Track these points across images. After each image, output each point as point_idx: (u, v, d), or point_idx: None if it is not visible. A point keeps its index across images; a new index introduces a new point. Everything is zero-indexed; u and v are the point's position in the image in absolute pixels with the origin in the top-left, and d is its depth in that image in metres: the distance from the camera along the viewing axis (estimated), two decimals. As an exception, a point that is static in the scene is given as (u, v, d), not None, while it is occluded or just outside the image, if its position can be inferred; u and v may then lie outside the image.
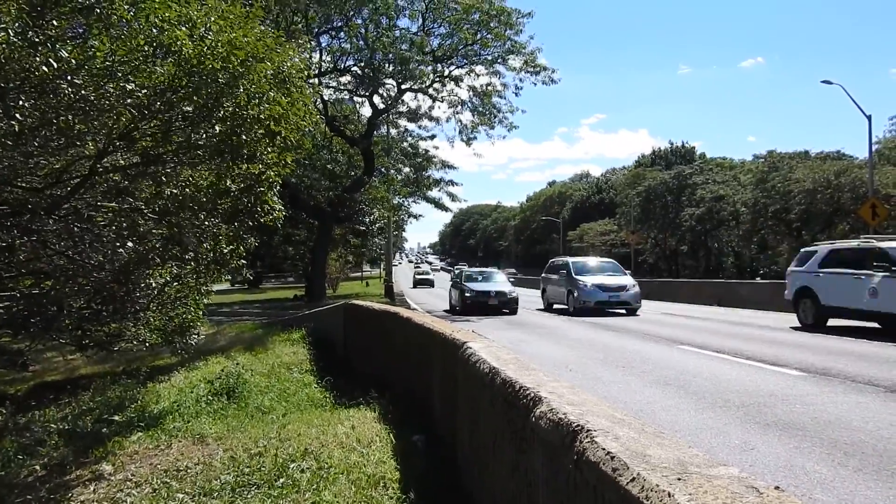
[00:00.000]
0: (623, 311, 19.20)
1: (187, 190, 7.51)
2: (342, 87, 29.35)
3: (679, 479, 1.56)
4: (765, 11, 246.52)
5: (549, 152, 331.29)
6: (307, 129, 9.81)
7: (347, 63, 27.58)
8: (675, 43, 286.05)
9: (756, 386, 7.57)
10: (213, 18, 6.65)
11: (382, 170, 30.82)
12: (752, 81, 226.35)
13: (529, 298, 27.24)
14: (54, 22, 5.53)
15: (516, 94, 32.01)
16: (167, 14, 6.15)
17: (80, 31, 6.53)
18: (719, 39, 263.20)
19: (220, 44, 6.52)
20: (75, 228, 7.53)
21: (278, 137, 7.54)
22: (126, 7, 5.88)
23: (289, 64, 7.88)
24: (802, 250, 15.19)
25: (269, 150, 7.65)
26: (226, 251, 8.34)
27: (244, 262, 9.21)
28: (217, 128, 6.74)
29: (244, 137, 6.97)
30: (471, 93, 26.97)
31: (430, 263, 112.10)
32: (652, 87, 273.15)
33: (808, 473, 4.48)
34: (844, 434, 5.39)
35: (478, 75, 26.54)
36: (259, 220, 8.20)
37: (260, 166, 7.67)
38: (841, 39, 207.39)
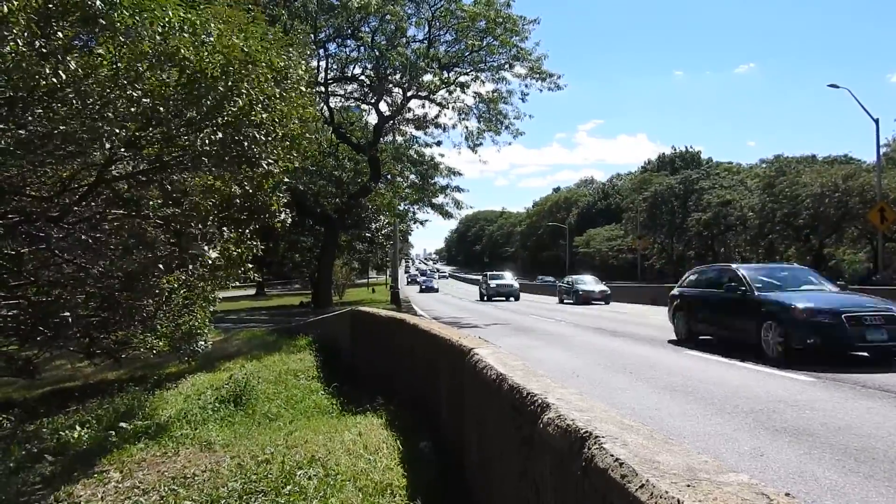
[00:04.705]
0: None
1: (193, 196, 7.53)
2: (348, 95, 29.42)
3: (688, 486, 1.55)
4: (757, 18, 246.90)
5: (550, 158, 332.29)
6: (312, 133, 9.82)
7: (354, 71, 27.67)
8: (668, 48, 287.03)
9: (765, 391, 7.52)
10: (213, 24, 6.67)
11: (389, 176, 30.79)
12: (748, 86, 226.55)
13: (536, 303, 27.16)
14: (59, 33, 5.56)
15: (523, 100, 31.73)
16: (170, 19, 6.17)
17: (87, 39, 6.57)
18: (712, 45, 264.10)
19: (218, 49, 6.54)
20: (82, 237, 7.56)
21: (282, 136, 7.54)
22: (128, 14, 5.90)
23: (287, 59, 7.87)
24: None
25: (273, 149, 7.65)
26: (233, 254, 8.34)
27: (251, 265, 9.22)
28: (219, 133, 6.75)
29: (245, 144, 6.98)
30: (477, 99, 26.93)
31: (438, 270, 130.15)
32: (648, 92, 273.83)
33: (818, 480, 4.44)
34: (855, 440, 5.34)
35: (483, 82, 26.51)
36: (266, 223, 8.20)
37: (264, 165, 7.66)
38: (835, 45, 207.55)
